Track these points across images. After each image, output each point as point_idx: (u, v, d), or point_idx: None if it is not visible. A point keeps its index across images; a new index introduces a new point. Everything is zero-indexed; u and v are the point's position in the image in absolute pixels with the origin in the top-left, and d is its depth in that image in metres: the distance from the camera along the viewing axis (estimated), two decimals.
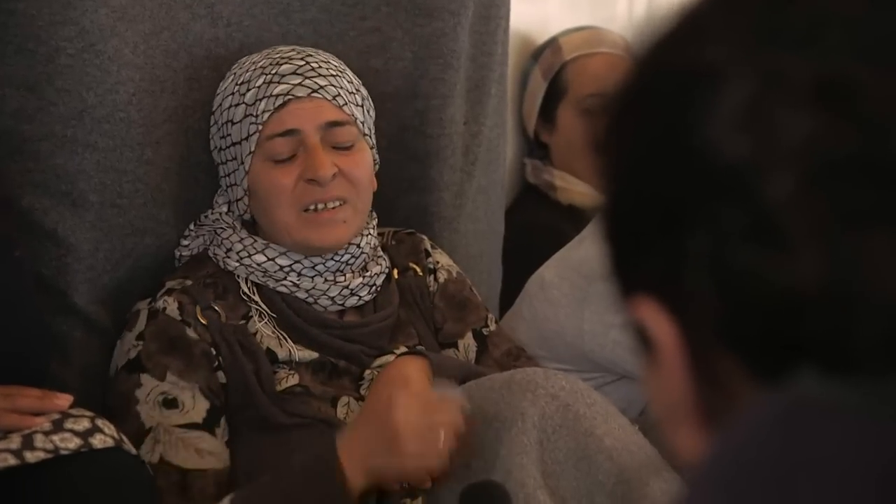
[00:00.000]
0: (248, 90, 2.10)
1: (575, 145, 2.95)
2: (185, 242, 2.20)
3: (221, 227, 2.16)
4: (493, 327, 2.26)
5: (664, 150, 0.71)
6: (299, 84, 2.08)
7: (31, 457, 1.75)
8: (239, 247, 2.13)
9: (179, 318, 2.05)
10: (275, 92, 2.07)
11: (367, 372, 2.12)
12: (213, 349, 2.05)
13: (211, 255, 2.15)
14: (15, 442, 1.75)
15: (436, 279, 2.24)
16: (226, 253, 2.14)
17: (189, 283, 2.10)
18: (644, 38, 0.74)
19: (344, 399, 2.09)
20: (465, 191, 2.48)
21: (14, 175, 2.09)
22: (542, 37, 3.02)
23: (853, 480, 0.65)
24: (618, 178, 0.75)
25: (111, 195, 2.13)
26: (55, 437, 1.77)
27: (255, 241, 2.13)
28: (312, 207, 2.07)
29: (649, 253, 0.73)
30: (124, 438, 1.84)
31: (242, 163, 2.10)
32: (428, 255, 2.26)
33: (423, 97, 2.38)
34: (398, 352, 2.14)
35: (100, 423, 1.82)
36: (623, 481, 1.87)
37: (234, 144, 2.11)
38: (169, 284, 2.10)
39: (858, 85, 0.67)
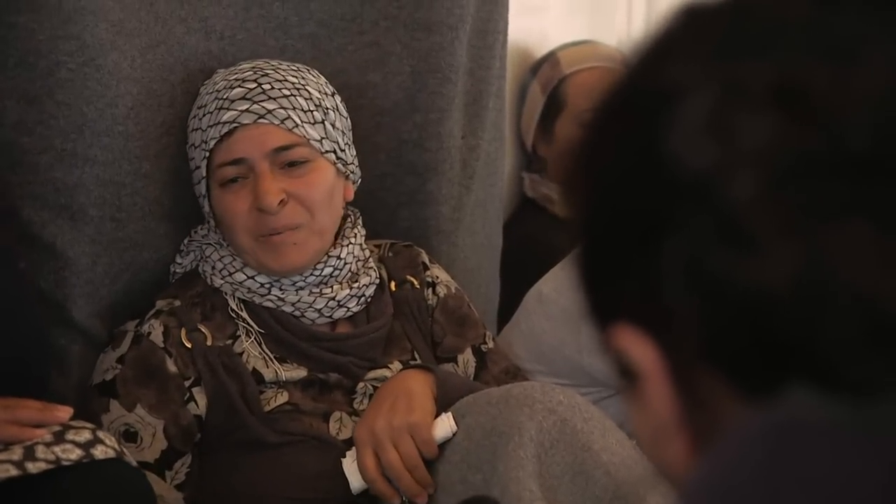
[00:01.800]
0: (204, 115, 2.09)
1: None
2: (179, 259, 2.20)
3: (208, 244, 2.16)
4: (491, 344, 2.26)
5: (634, 169, 0.73)
6: (246, 110, 2.06)
7: (32, 468, 1.75)
8: (220, 265, 2.13)
9: (162, 345, 2.06)
10: (223, 119, 2.07)
11: (360, 385, 2.12)
12: (192, 378, 2.06)
13: (200, 271, 2.16)
14: (17, 453, 1.76)
15: (435, 293, 2.24)
16: (212, 270, 2.14)
17: (177, 303, 2.11)
18: (624, 65, 0.76)
19: (336, 414, 2.09)
20: (463, 204, 2.48)
21: (13, 187, 2.10)
22: (540, 51, 3.03)
23: (846, 499, 0.66)
24: (592, 206, 0.76)
25: (110, 209, 2.14)
26: (57, 448, 1.77)
27: (234, 259, 2.12)
28: (266, 234, 2.07)
29: (626, 276, 0.73)
30: (125, 450, 1.85)
31: (201, 189, 2.11)
32: (426, 268, 2.26)
33: (421, 111, 2.38)
34: (392, 366, 2.14)
35: (101, 434, 1.83)
36: (620, 496, 1.87)
37: (196, 168, 2.12)
38: (158, 305, 2.10)
39: (814, 85, 0.69)
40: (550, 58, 2.99)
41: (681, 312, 0.71)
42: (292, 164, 2.07)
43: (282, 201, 2.04)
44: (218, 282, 2.13)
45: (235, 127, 2.06)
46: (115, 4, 2.10)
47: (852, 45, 0.69)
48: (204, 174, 2.09)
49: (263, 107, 2.06)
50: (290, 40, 2.30)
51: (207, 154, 2.07)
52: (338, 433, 2.07)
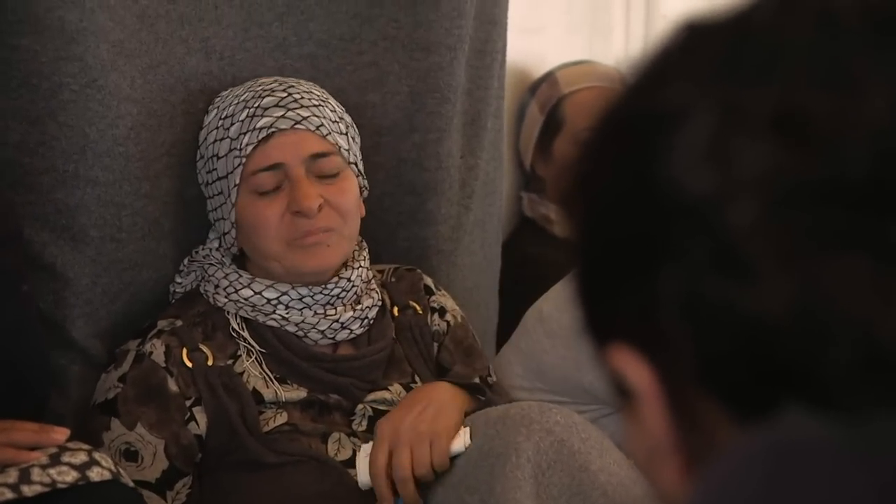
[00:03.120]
0: (232, 124, 2.10)
1: None
2: (179, 279, 2.20)
3: (210, 263, 2.16)
4: (494, 377, 2.27)
5: (632, 191, 0.72)
6: (282, 116, 2.08)
7: (28, 491, 1.75)
8: (225, 283, 2.13)
9: (164, 364, 2.06)
10: (258, 125, 2.08)
11: (360, 407, 2.12)
12: (193, 398, 2.05)
13: (202, 291, 2.16)
14: (12, 476, 1.75)
15: (443, 319, 2.24)
16: (214, 289, 2.14)
17: (179, 323, 2.10)
18: (623, 82, 0.76)
19: (335, 435, 2.08)
20: (462, 224, 2.48)
21: (17, 208, 2.10)
22: (538, 70, 3.04)
23: None
24: (589, 227, 0.75)
25: (111, 230, 2.14)
26: (52, 471, 1.77)
27: (241, 275, 2.13)
28: (299, 238, 2.08)
29: (622, 297, 0.73)
30: (122, 472, 1.84)
31: (229, 196, 2.11)
32: (429, 292, 2.26)
33: (420, 131, 2.38)
34: (392, 388, 2.14)
35: (97, 456, 1.82)
36: None
37: (219, 179, 2.12)
38: (160, 325, 2.10)
39: (814, 113, 0.68)
40: (549, 77, 3.00)
41: (676, 336, 0.71)
42: (325, 176, 2.10)
43: (319, 206, 2.06)
44: (221, 300, 2.13)
45: (273, 132, 2.08)
46: (115, 25, 2.11)
47: (854, 70, 0.69)
48: (237, 181, 2.09)
49: (298, 114, 2.09)
50: (289, 60, 2.31)
51: (243, 160, 2.08)
52: (336, 454, 2.07)
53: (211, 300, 2.14)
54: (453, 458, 1.96)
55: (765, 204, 0.68)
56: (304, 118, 2.09)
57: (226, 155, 2.10)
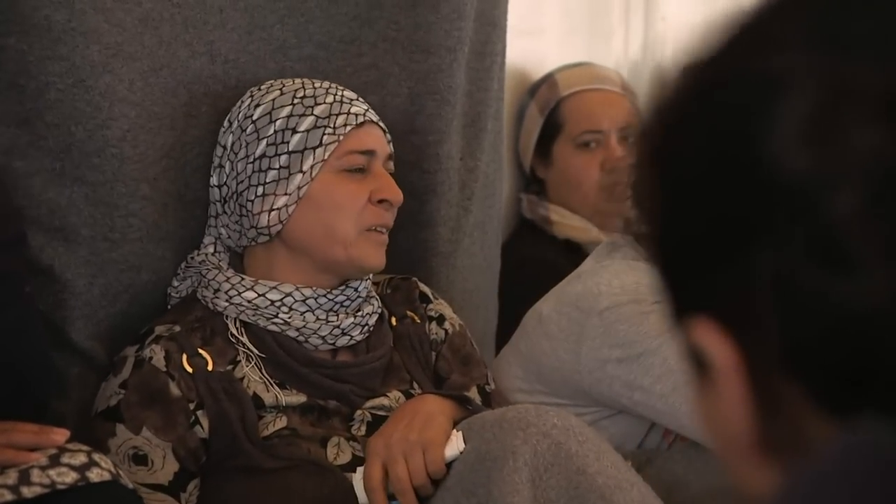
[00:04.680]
0: (318, 104, 2.11)
1: (571, 180, 2.96)
2: (176, 284, 2.20)
3: (207, 268, 2.15)
4: (492, 385, 2.26)
5: (727, 163, 0.69)
6: (368, 109, 2.14)
7: (27, 492, 1.75)
8: (227, 286, 2.12)
9: (165, 369, 2.05)
10: (352, 110, 2.12)
11: (358, 412, 2.11)
12: (195, 402, 2.04)
13: (199, 296, 2.15)
14: (11, 477, 1.75)
15: (442, 327, 2.24)
16: (214, 294, 2.13)
17: (177, 328, 2.09)
18: (701, 45, 0.71)
19: (334, 439, 2.08)
20: (461, 226, 2.48)
21: (21, 212, 2.10)
22: (538, 73, 3.04)
23: None
24: (675, 194, 0.72)
25: (102, 229, 2.13)
26: (52, 472, 1.77)
27: (243, 279, 2.13)
28: (374, 228, 2.10)
29: (710, 272, 0.70)
30: (121, 473, 1.84)
31: (302, 171, 2.09)
32: (425, 300, 2.26)
33: (419, 133, 2.39)
34: (391, 395, 2.14)
35: (96, 457, 1.82)
36: None
37: (291, 153, 2.10)
38: (158, 330, 2.09)
39: None
40: (548, 79, 3.00)
41: (765, 319, 0.68)
42: (390, 173, 2.15)
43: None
44: (222, 304, 2.12)
45: (366, 120, 2.13)
46: (111, 28, 2.11)
47: None
48: (325, 157, 2.09)
49: (374, 112, 2.15)
50: (290, 62, 2.31)
51: (340, 138, 2.10)
52: (335, 458, 2.07)
53: (210, 305, 2.13)
54: (448, 464, 1.95)
55: (871, 191, 0.65)
56: (379, 118, 2.14)
57: (308, 130, 2.10)
